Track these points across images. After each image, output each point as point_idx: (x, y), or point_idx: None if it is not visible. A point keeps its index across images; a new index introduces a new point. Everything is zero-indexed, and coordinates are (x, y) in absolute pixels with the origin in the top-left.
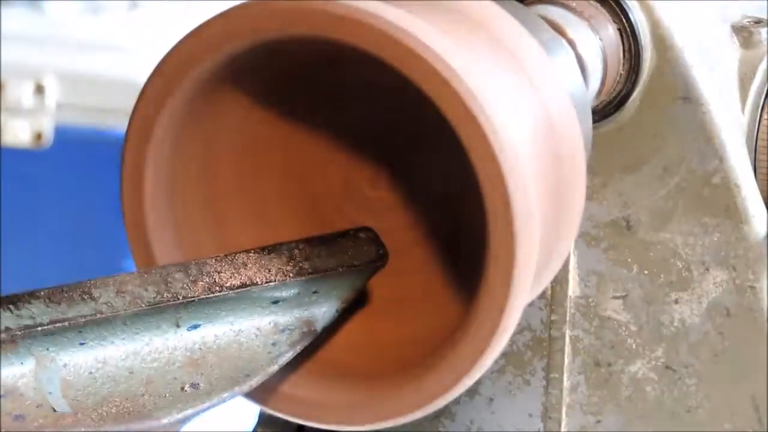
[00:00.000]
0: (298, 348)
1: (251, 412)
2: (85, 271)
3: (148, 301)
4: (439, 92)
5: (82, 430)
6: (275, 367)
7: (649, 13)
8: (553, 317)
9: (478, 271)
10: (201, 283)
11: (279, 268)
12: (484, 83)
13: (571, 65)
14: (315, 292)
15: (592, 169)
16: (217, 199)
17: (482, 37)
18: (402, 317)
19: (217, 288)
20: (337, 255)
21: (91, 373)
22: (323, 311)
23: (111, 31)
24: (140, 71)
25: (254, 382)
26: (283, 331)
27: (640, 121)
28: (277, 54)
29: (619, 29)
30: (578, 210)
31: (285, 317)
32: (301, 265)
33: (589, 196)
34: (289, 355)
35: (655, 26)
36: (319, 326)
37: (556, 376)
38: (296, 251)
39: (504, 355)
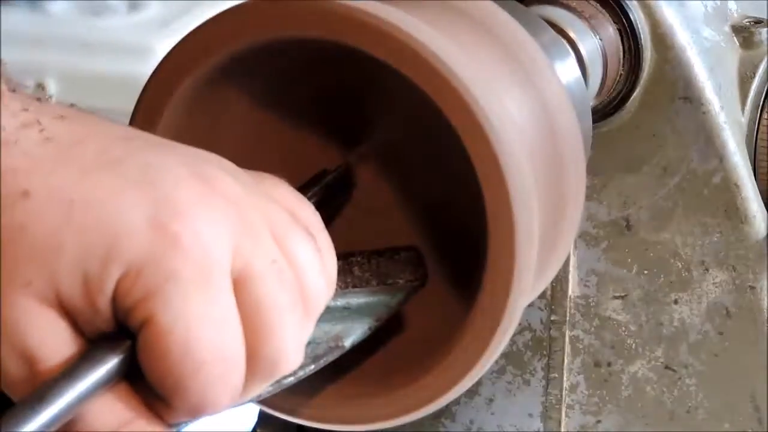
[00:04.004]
0: (322, 362)
1: (251, 412)
2: None
3: None
4: (441, 95)
5: None
6: (291, 379)
7: (649, 13)
8: (553, 317)
9: (478, 271)
10: None
11: None
12: (484, 84)
13: (571, 65)
14: (346, 308)
15: (592, 169)
16: None
17: (482, 38)
18: (401, 317)
19: None
20: (373, 272)
21: None
22: (353, 327)
23: (111, 31)
24: (140, 71)
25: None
26: (308, 344)
27: (640, 121)
28: (276, 54)
29: (619, 29)
30: (578, 210)
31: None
32: None
33: (589, 196)
34: (310, 369)
35: (655, 26)
36: (347, 343)
37: (556, 376)
38: None
39: (504, 355)
